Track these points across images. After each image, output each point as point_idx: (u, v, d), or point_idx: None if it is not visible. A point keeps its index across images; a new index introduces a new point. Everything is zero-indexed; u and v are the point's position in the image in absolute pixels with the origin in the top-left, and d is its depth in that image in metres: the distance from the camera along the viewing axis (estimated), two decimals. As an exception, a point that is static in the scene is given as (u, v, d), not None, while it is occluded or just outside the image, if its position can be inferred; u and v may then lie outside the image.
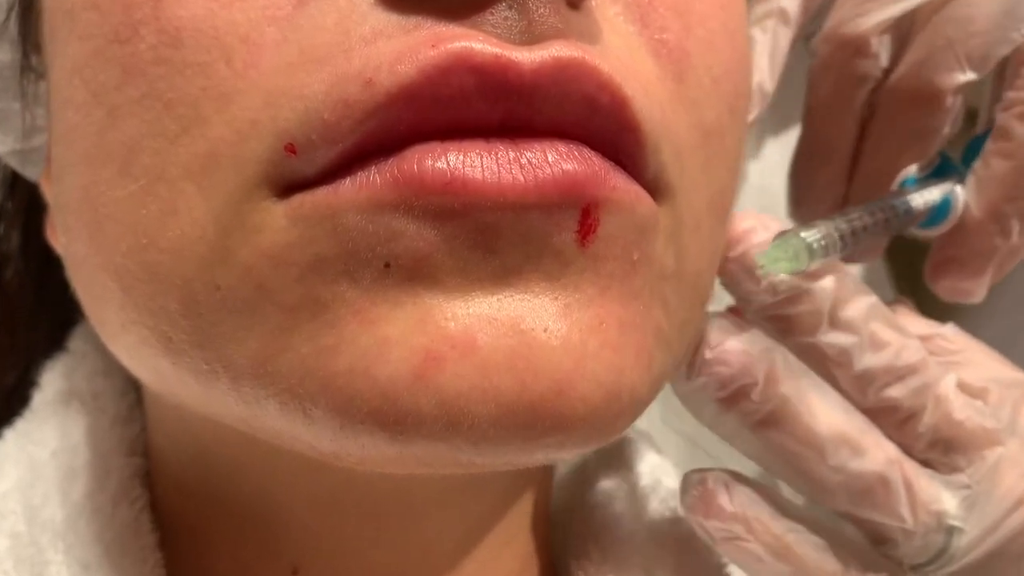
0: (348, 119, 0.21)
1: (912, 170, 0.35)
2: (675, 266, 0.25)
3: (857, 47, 0.35)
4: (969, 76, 0.33)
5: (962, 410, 0.31)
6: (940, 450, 0.31)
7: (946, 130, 0.35)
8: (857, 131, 0.36)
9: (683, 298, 0.26)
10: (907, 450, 0.31)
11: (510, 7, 0.22)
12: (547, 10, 0.22)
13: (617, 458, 0.37)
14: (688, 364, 0.29)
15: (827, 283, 0.30)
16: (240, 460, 0.29)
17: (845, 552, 0.30)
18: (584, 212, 0.22)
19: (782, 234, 0.29)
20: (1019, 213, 0.33)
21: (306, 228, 0.21)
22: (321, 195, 0.21)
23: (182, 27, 0.22)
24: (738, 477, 0.30)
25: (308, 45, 0.22)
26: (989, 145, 0.34)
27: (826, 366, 0.30)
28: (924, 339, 0.33)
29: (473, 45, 0.21)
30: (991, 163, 0.33)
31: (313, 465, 0.27)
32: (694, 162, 0.26)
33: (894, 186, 0.35)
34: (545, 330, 0.22)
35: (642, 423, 0.33)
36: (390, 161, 0.21)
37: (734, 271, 0.30)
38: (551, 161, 0.21)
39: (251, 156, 0.22)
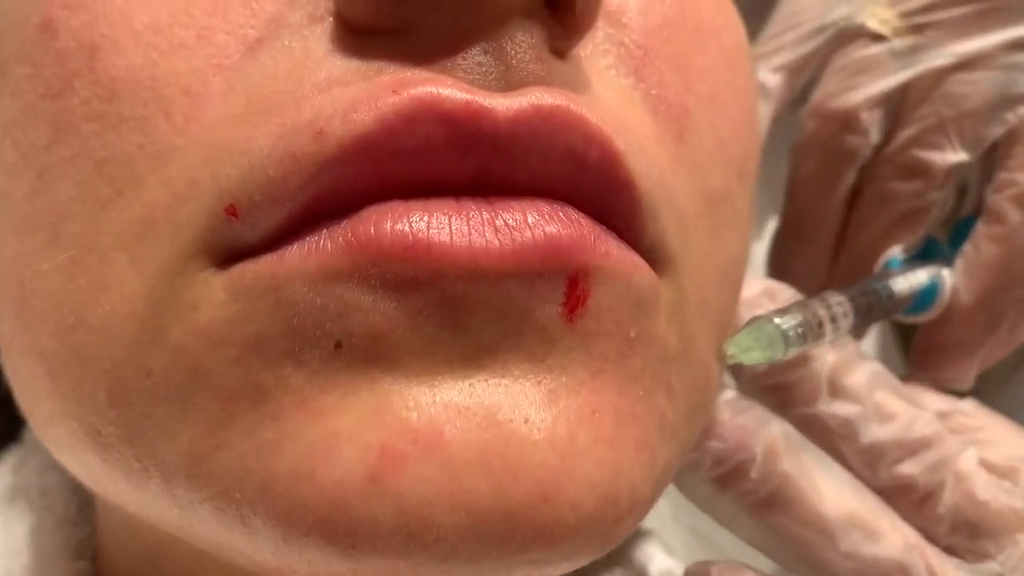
0: (296, 175, 0.18)
1: (896, 251, 0.34)
2: (680, 346, 0.22)
3: (846, 122, 0.33)
4: (961, 156, 0.32)
5: (987, 489, 0.27)
6: (965, 534, 0.27)
7: (936, 211, 0.33)
8: (843, 210, 0.35)
9: (690, 382, 0.23)
10: (928, 535, 0.27)
11: (485, 51, 0.19)
12: (528, 55, 0.20)
13: (622, 561, 0.33)
14: None
15: (824, 349, 0.27)
16: (191, 571, 0.26)
17: None
18: (571, 282, 0.19)
19: (755, 320, 0.26)
20: (1012, 303, 0.32)
21: (247, 302, 0.19)
22: (264, 264, 0.19)
23: (118, 78, 0.20)
24: (745, 568, 0.26)
25: (257, 95, 0.20)
26: (980, 228, 0.32)
27: (831, 440, 0.28)
28: (941, 416, 0.30)
29: (441, 91, 0.18)
30: (982, 247, 0.32)
31: None
32: (699, 231, 0.23)
33: (877, 268, 0.34)
34: (526, 421, 0.18)
35: (650, 520, 0.30)
36: (344, 224, 0.18)
37: None
38: (532, 223, 0.19)
39: (188, 220, 0.19)
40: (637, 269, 0.20)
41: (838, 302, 0.28)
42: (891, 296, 0.31)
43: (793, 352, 0.26)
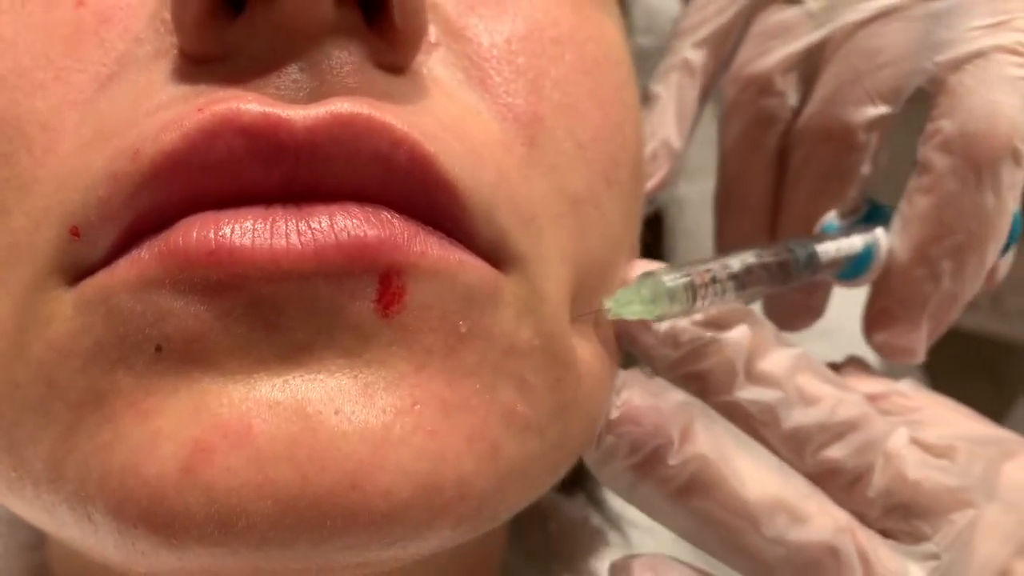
0: (119, 195, 0.20)
1: (831, 216, 0.32)
2: (537, 342, 0.23)
3: (761, 86, 0.33)
4: (881, 110, 0.31)
5: (918, 469, 0.27)
6: (899, 516, 0.27)
7: (865, 169, 0.32)
8: (772, 176, 0.34)
9: (556, 379, 0.23)
10: (862, 519, 0.27)
11: (302, 69, 0.21)
12: (344, 71, 0.21)
13: (575, 567, 0.33)
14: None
15: (738, 333, 0.27)
16: None
17: None
18: (383, 279, 0.20)
19: (646, 275, 0.26)
20: (948, 253, 0.30)
21: (87, 315, 0.20)
22: (99, 278, 0.20)
23: None
24: (671, 562, 0.26)
25: (102, 125, 0.21)
26: (912, 182, 0.31)
27: (754, 427, 0.27)
28: (877, 397, 0.29)
29: (241, 106, 0.20)
30: (914, 200, 0.30)
31: None
32: (558, 230, 0.24)
33: (815, 233, 0.32)
34: (336, 413, 0.19)
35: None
36: (161, 236, 0.20)
37: (624, 325, 0.27)
38: (337, 225, 0.20)
39: (43, 244, 0.21)
40: (464, 266, 0.21)
41: (741, 260, 0.27)
42: (812, 256, 0.29)
43: (678, 309, 0.26)
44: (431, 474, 0.20)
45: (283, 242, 0.19)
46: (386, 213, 0.20)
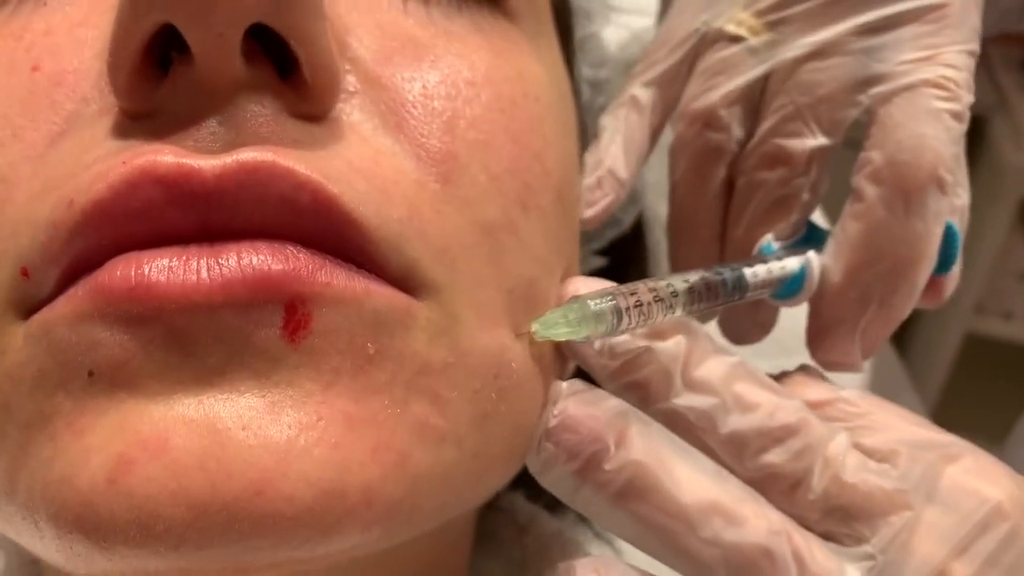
0: (56, 240, 0.23)
1: (768, 238, 0.34)
2: (452, 360, 0.25)
3: (707, 120, 0.34)
4: (821, 141, 0.33)
5: (856, 472, 0.27)
6: (839, 519, 0.27)
7: (805, 196, 0.34)
8: (719, 204, 0.36)
9: (474, 393, 0.25)
10: (803, 522, 0.28)
11: (220, 122, 0.23)
12: (259, 122, 0.23)
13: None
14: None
15: (673, 343, 0.28)
16: None
17: None
18: (288, 308, 0.22)
19: (574, 299, 0.27)
20: (878, 277, 0.32)
21: (33, 345, 0.23)
22: (44, 313, 0.23)
23: None
24: (614, 562, 0.27)
25: (50, 177, 0.24)
26: (846, 208, 0.32)
27: (695, 434, 0.28)
28: (823, 404, 0.30)
29: (158, 158, 0.22)
30: (846, 226, 0.32)
31: None
32: (473, 258, 0.26)
33: (754, 255, 0.34)
34: (243, 428, 0.22)
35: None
36: (92, 275, 0.22)
37: (567, 341, 0.28)
38: (244, 261, 0.22)
39: (1, 284, 0.23)
40: (371, 294, 0.23)
41: (667, 284, 0.29)
42: (740, 279, 0.31)
43: (602, 331, 0.27)
44: (334, 481, 0.22)
45: (194, 277, 0.22)
46: (292, 248, 0.22)
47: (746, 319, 0.37)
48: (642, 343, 0.28)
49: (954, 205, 0.33)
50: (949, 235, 0.33)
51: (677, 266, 0.37)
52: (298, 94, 0.24)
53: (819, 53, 0.33)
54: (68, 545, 0.22)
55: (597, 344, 0.28)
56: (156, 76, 0.23)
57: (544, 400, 0.27)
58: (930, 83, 0.31)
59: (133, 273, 0.22)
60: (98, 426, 0.22)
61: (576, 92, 0.37)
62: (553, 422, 0.27)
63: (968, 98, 0.32)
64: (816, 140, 0.33)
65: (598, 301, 0.27)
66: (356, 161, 0.24)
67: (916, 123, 0.31)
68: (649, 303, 0.28)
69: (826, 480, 0.27)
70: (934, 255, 0.32)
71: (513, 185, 0.27)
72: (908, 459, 0.28)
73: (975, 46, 0.32)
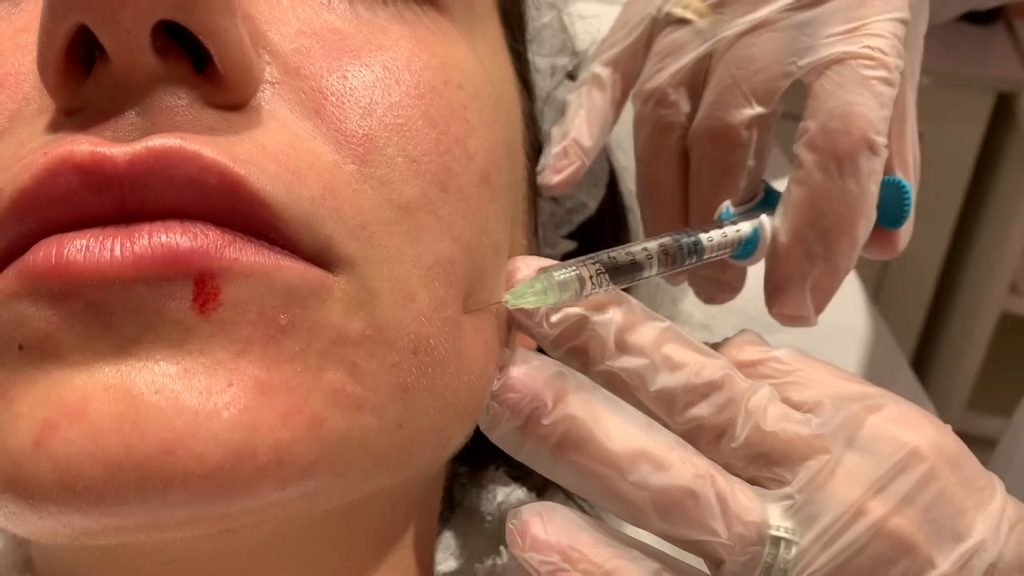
0: None
1: (726, 205, 0.36)
2: (370, 333, 0.26)
3: (658, 99, 0.37)
4: (757, 110, 0.35)
5: (775, 421, 0.30)
6: (761, 464, 0.30)
7: (751, 163, 0.36)
8: (678, 174, 0.38)
9: (392, 364, 0.26)
10: (731, 469, 0.30)
11: (138, 113, 0.25)
12: (175, 112, 0.25)
13: None
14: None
15: (608, 312, 0.31)
16: (82, 566, 0.32)
17: None
18: (198, 282, 0.24)
19: (542, 270, 0.30)
20: (820, 235, 0.34)
21: None
22: None
23: None
24: (557, 506, 0.29)
25: None
26: (791, 173, 0.34)
27: (628, 392, 0.31)
28: (755, 363, 0.32)
29: (75, 147, 0.24)
30: (790, 190, 0.34)
31: (130, 552, 0.29)
32: (392, 235, 0.27)
33: (714, 220, 0.36)
34: (156, 393, 0.23)
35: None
36: (21, 257, 0.24)
37: (511, 314, 0.31)
38: (155, 239, 0.23)
39: None
40: (281, 268, 0.25)
41: (627, 253, 0.31)
42: (696, 243, 0.33)
43: (568, 297, 0.29)
44: (243, 442, 0.23)
45: (108, 255, 0.23)
46: (203, 227, 0.24)
47: (714, 280, 0.40)
48: (579, 312, 0.30)
49: (905, 161, 0.35)
50: (900, 191, 0.35)
51: (648, 230, 0.40)
52: (214, 85, 0.25)
53: (753, 29, 0.35)
54: (3, 505, 0.24)
55: (537, 316, 0.30)
56: (82, 73, 0.25)
57: (482, 380, 0.29)
58: (856, 55, 0.33)
59: (54, 253, 0.23)
60: (28, 394, 0.23)
61: (527, 81, 0.39)
62: (497, 384, 0.29)
63: (898, 62, 0.34)
64: (753, 109, 0.35)
65: (562, 272, 0.29)
66: (270, 145, 0.25)
67: (845, 92, 0.33)
68: (611, 270, 0.30)
69: (748, 429, 0.30)
70: (872, 211, 0.34)
71: (431, 167, 0.28)
72: (832, 409, 0.30)
73: (904, 13, 0.34)
